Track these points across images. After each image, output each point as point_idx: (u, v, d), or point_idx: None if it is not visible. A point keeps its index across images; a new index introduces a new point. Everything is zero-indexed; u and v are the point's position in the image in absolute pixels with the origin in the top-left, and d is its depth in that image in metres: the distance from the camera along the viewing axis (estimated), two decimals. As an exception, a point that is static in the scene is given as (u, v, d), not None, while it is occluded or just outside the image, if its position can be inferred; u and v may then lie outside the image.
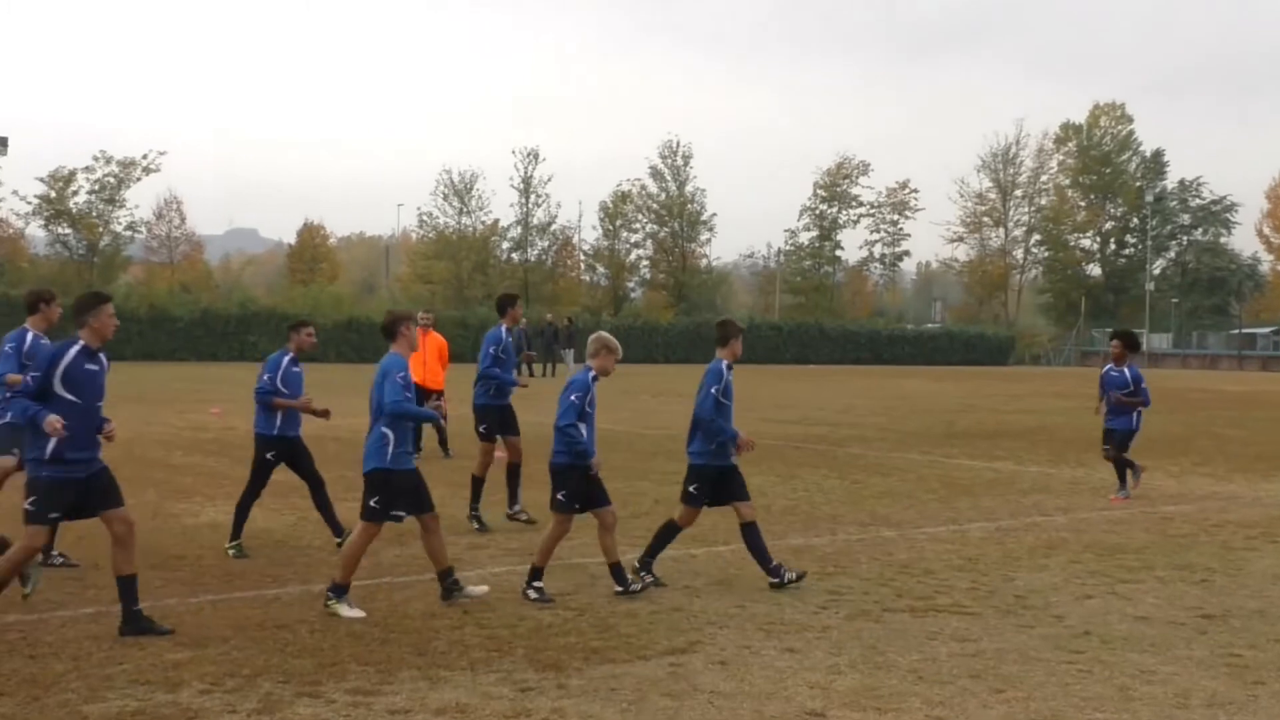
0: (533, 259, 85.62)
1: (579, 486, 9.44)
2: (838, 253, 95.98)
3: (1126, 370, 15.21)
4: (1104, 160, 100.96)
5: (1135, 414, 15.57)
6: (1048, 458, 20.89)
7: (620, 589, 9.49)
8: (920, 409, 33.06)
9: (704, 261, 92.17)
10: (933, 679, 7.48)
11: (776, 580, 9.83)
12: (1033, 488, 16.54)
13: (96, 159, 70.25)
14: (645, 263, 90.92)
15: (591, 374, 9.59)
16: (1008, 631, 8.75)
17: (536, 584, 9.41)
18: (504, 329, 12.82)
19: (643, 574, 9.91)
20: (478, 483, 12.80)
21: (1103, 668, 7.83)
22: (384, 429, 9.07)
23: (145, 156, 71.01)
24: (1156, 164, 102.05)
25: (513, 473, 13.07)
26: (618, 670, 7.54)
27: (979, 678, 7.53)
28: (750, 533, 9.95)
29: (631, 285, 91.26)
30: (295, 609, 9.00)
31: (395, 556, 11.06)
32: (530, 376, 36.92)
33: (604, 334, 9.78)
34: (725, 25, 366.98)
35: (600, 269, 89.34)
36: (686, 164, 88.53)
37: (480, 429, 12.98)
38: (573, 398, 9.39)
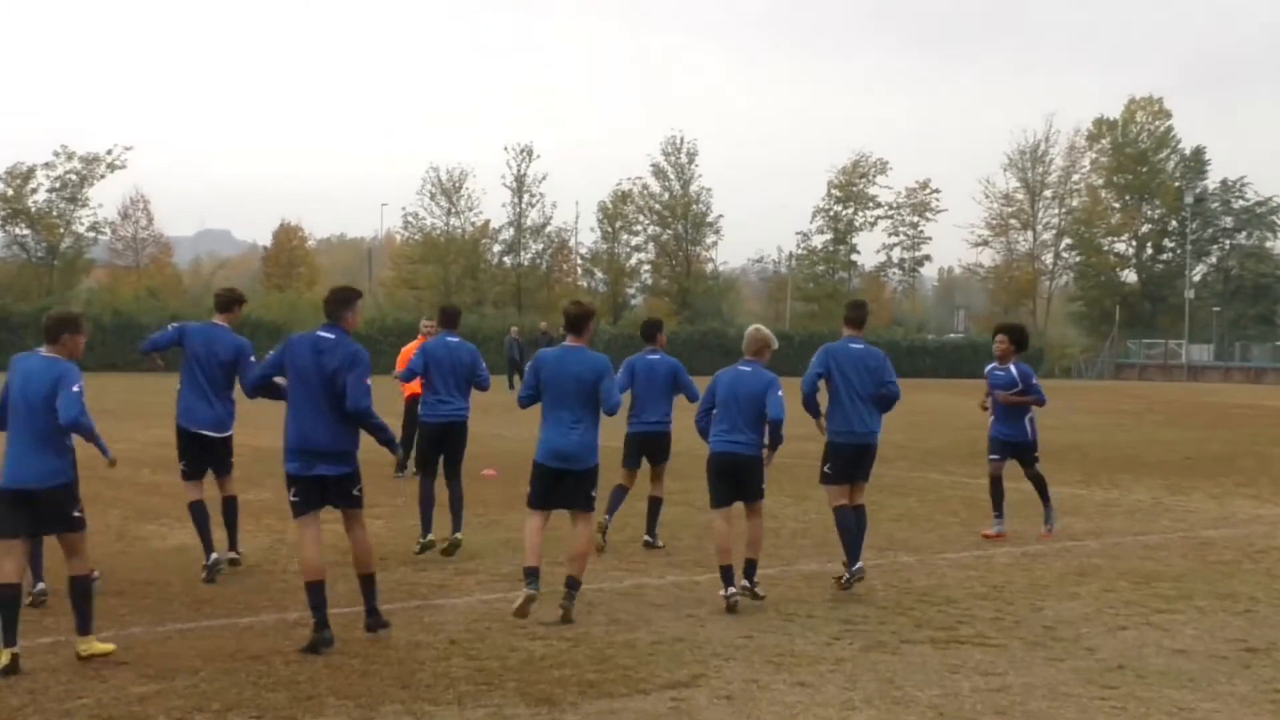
0: (526, 263, 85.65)
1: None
2: (853, 257, 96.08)
3: (1013, 368, 14.89)
4: (1140, 158, 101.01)
5: (1028, 421, 14.99)
6: (1079, 478, 20.89)
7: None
8: (941, 425, 33.06)
9: (710, 266, 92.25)
10: (954, 716, 7.48)
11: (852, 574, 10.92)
12: (1062, 510, 16.53)
13: (58, 154, 70.32)
14: (646, 267, 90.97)
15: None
16: (1035, 665, 8.75)
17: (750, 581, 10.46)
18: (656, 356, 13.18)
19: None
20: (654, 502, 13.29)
21: (1138, 704, 7.83)
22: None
23: (110, 152, 71.13)
24: (1197, 163, 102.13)
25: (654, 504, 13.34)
26: (615, 705, 7.54)
27: (1005, 715, 7.53)
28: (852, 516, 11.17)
29: (632, 291, 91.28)
30: (270, 638, 8.99)
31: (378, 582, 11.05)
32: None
33: (762, 328, 10.88)
34: (732, 12, 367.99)
35: (598, 274, 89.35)
36: (691, 161, 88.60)
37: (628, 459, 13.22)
38: (781, 393, 10.40)
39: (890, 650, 9.05)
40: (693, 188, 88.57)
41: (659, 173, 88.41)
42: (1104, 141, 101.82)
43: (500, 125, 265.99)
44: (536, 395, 10.05)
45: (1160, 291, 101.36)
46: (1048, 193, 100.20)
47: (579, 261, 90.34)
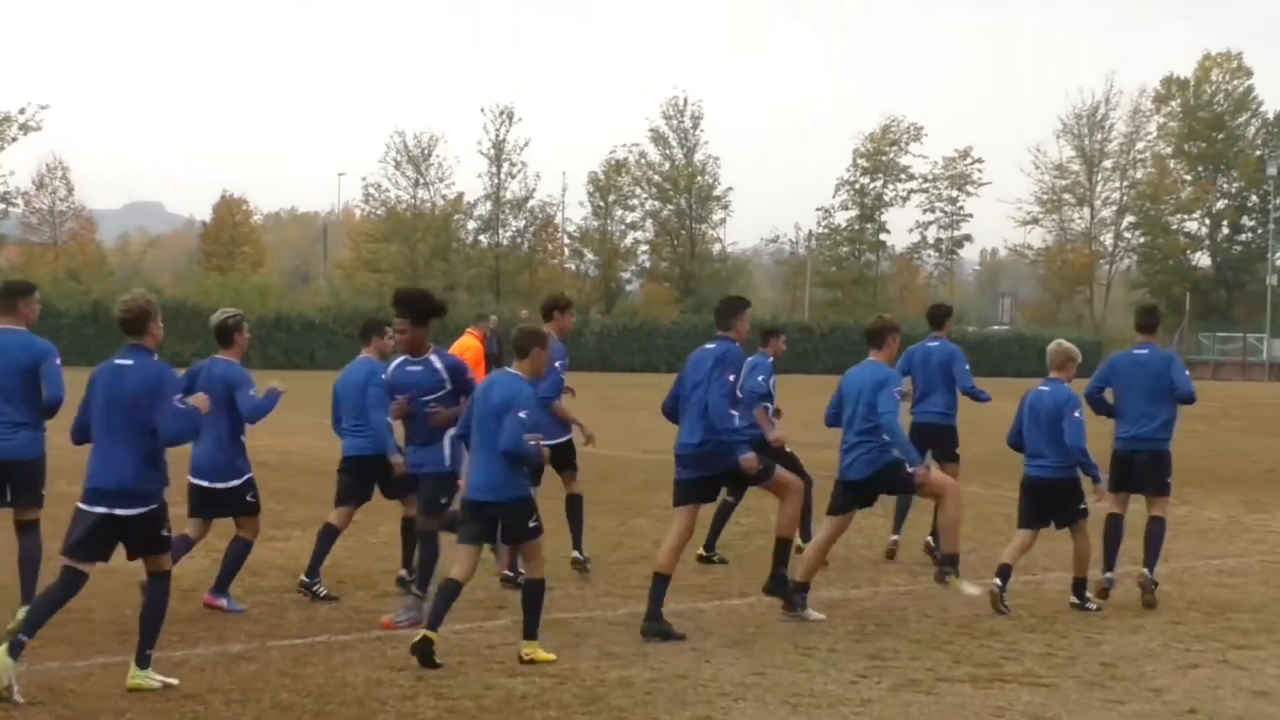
0: (505, 242, 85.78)
1: None
2: (882, 237, 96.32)
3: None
4: (1215, 124, 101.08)
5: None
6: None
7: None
8: (983, 430, 32.91)
9: (717, 247, 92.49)
10: (999, 766, 7.47)
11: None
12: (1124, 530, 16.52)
13: (-41, 114, 70.40)
14: (644, 248, 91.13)
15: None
16: (1093, 708, 8.75)
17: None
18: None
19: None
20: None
21: (1210, 753, 7.83)
22: None
23: (23, 111, 71.46)
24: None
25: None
26: (607, 752, 7.53)
27: (1056, 764, 7.52)
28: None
29: (627, 276, 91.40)
30: (208, 674, 8.99)
31: (332, 609, 11.05)
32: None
33: (1066, 343, 12.08)
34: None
35: (588, 255, 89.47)
36: (696, 126, 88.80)
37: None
38: (1079, 414, 11.67)
39: (924, 690, 9.05)
40: (697, 156, 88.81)
41: (658, 139, 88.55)
42: (1173, 104, 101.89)
43: (476, 83, 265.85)
44: None
45: (1238, 277, 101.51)
46: (1107, 163, 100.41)
47: (566, 241, 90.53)
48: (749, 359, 12.84)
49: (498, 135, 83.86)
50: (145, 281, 68.45)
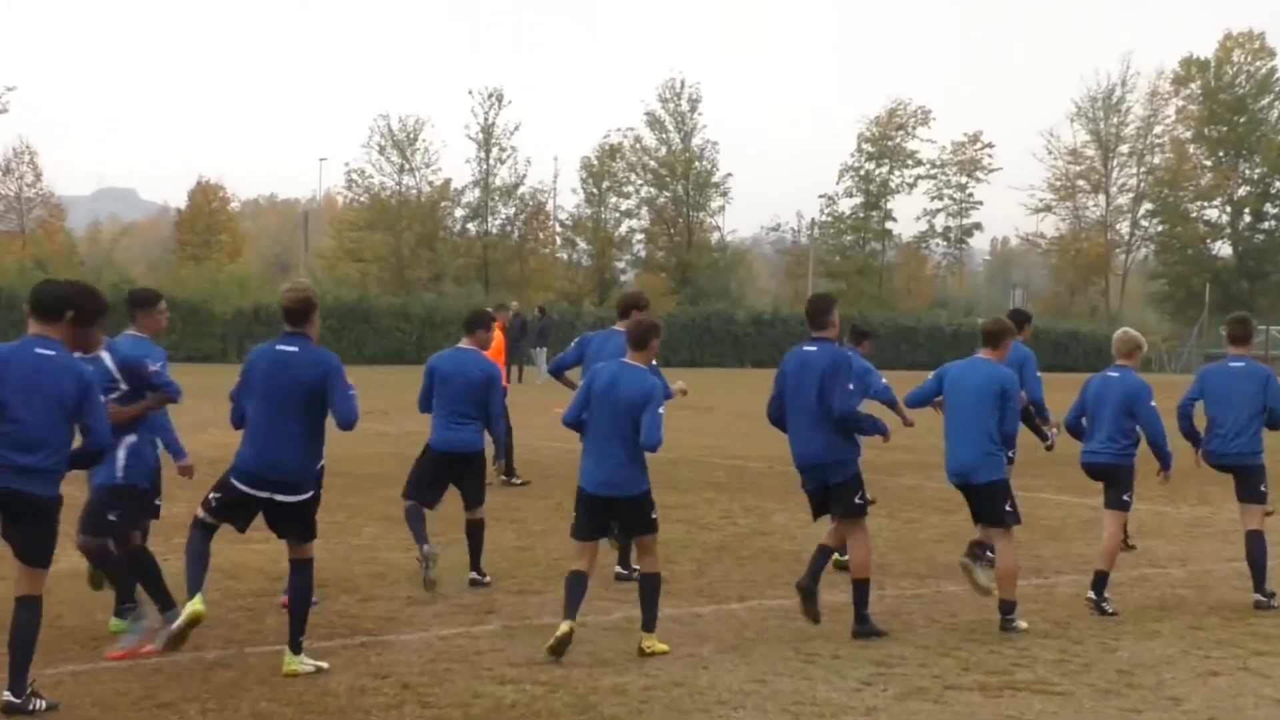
0: (494, 230, 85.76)
1: None
2: (888, 225, 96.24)
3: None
4: (1237, 106, 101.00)
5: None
6: (1161, 492, 20.87)
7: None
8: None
9: (715, 235, 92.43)
10: (1010, 777, 7.48)
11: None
12: (1141, 530, 16.56)
13: (-85, 94, 70.29)
14: (639, 236, 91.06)
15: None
16: (1109, 717, 8.76)
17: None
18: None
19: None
20: None
21: (1230, 764, 7.84)
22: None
23: (-11, 93, 71.00)
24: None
25: None
26: (601, 764, 7.54)
27: (1070, 776, 7.54)
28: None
29: (622, 265, 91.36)
30: (183, 682, 8.99)
31: (313, 615, 11.02)
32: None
33: (1133, 331, 12.52)
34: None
35: (581, 244, 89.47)
36: (694, 110, 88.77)
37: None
38: (1154, 403, 12.18)
39: (932, 698, 9.06)
40: (695, 141, 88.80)
41: (655, 123, 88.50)
42: (1193, 86, 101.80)
43: (464, 65, 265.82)
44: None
45: (1260, 268, 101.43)
46: (1124, 148, 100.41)
47: (558, 229, 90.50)
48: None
49: (486, 119, 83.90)
50: (117, 271, 68.40)
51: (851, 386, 10.88)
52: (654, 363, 10.92)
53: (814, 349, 10.99)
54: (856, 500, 10.95)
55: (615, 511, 10.17)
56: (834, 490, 10.97)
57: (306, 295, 9.47)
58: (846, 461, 10.97)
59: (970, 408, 11.31)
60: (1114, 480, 12.27)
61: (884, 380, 14.02)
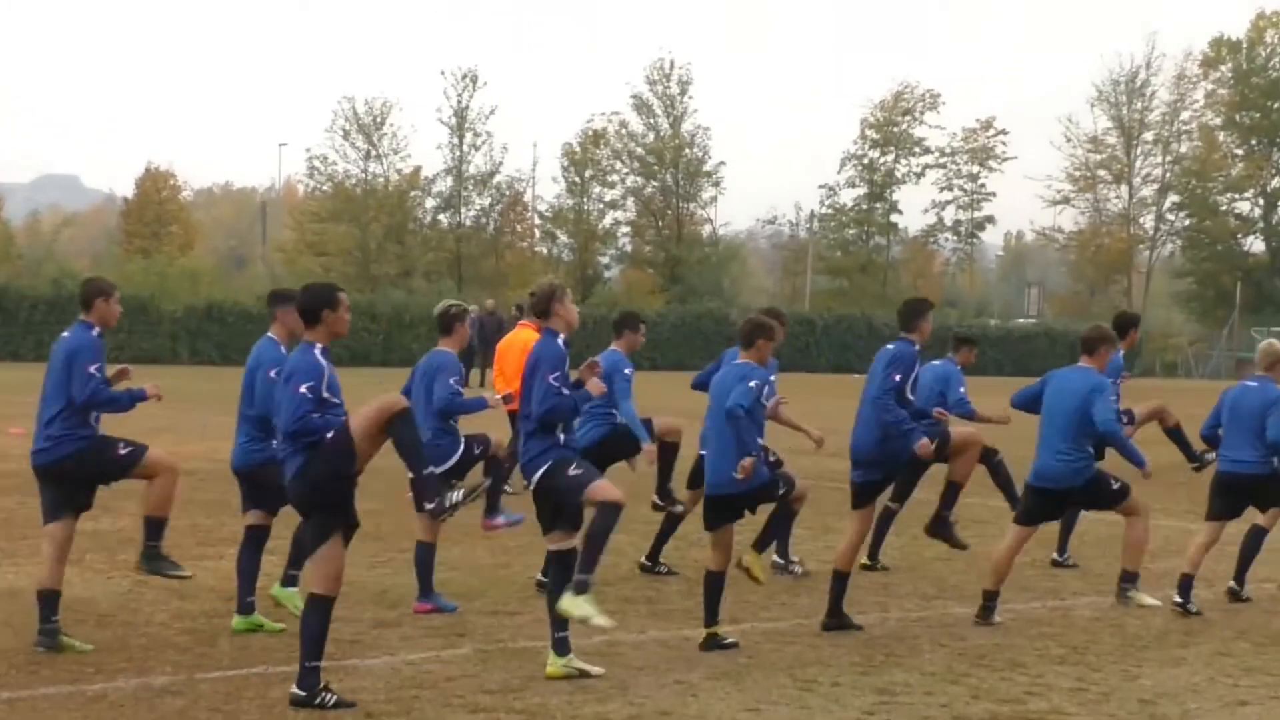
0: (468, 222, 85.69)
1: None
2: (893, 218, 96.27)
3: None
4: (1270, 91, 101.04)
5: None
6: (1186, 507, 20.90)
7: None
8: (1007, 436, 32.96)
9: (707, 229, 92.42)
10: (1022, 814, 7.50)
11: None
12: (1165, 549, 16.56)
13: None
14: (625, 229, 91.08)
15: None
16: (1128, 749, 8.77)
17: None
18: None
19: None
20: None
21: (1260, 800, 7.87)
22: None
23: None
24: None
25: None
26: (581, 799, 7.55)
27: (1087, 813, 7.56)
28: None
29: (605, 261, 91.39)
30: (128, 711, 8.97)
31: (268, 637, 11.03)
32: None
33: (1278, 343, 13.48)
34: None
35: (562, 237, 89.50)
36: (684, 93, 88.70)
37: None
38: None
39: (939, 729, 9.07)
40: (685, 126, 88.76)
41: (642, 107, 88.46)
42: (1223, 69, 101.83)
43: (435, 44, 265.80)
44: None
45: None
46: (1148, 136, 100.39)
47: (537, 221, 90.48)
48: (939, 367, 14.91)
49: (459, 102, 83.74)
50: (59, 265, 68.30)
51: (898, 378, 11.91)
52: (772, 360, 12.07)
53: (891, 347, 12.38)
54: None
55: (740, 506, 11.22)
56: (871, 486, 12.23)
57: (547, 288, 10.66)
58: (898, 452, 12.01)
59: (1060, 414, 12.35)
60: (1262, 489, 13.40)
61: (963, 391, 14.75)
